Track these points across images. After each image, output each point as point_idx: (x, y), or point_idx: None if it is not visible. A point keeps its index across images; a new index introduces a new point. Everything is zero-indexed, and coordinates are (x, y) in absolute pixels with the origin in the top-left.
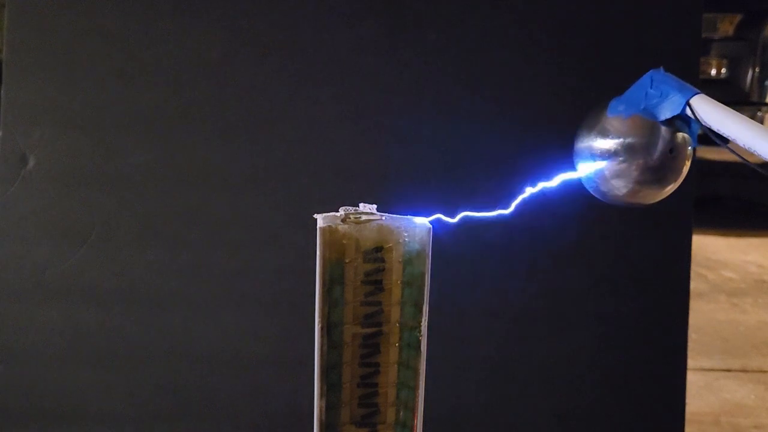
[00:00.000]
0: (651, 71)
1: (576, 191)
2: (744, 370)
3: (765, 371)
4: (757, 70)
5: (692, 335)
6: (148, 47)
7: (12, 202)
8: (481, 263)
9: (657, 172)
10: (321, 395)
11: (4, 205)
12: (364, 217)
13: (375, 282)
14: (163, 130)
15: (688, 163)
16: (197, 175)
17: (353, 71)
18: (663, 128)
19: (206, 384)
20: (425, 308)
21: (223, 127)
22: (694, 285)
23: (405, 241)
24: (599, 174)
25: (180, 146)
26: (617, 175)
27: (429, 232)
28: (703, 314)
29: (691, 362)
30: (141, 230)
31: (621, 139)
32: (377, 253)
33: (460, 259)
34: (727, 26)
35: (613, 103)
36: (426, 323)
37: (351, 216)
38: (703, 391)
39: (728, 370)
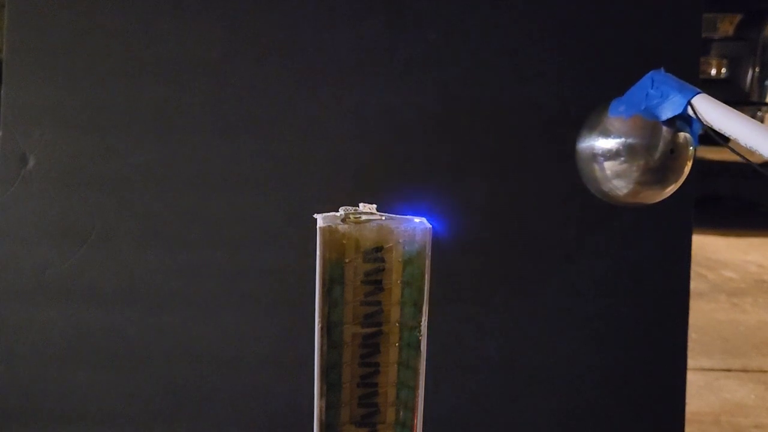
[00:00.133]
0: (652, 72)
1: (576, 191)
2: (744, 370)
3: (765, 371)
4: (757, 70)
5: (692, 335)
6: (148, 47)
7: (12, 202)
8: (480, 264)
9: (658, 173)
10: (321, 395)
11: (4, 205)
12: (364, 217)
13: (375, 282)
14: (163, 130)
15: (689, 164)
16: (197, 175)
17: (353, 71)
18: (664, 128)
19: (206, 384)
20: (425, 308)
21: (223, 127)
22: (694, 285)
23: (405, 241)
24: (600, 174)
25: (180, 146)
26: (619, 175)
27: (429, 232)
28: (703, 314)
29: (691, 362)
30: (141, 230)
31: (622, 140)
32: (377, 253)
33: (460, 259)
34: (727, 26)
35: (614, 103)
36: (426, 323)
37: (351, 216)
38: (703, 391)
39: (728, 370)
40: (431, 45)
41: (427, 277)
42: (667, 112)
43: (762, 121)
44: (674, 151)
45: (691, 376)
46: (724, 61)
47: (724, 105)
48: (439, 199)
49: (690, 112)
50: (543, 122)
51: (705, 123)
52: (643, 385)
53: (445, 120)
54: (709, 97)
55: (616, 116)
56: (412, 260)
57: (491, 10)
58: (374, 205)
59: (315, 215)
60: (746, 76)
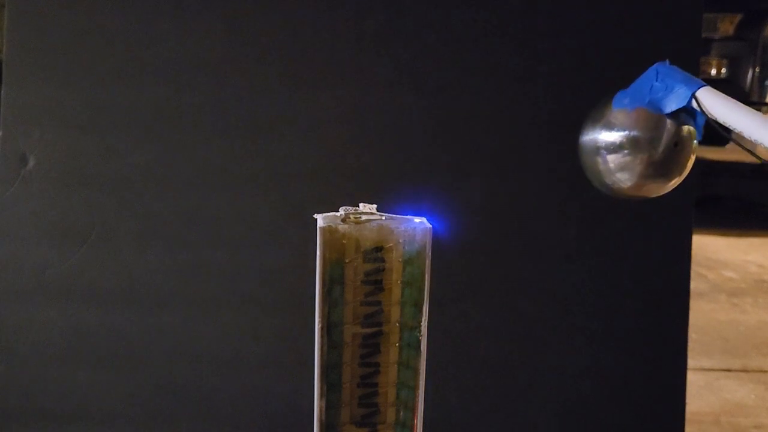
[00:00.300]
0: (657, 64)
1: (576, 190)
2: (744, 370)
3: (765, 371)
4: (757, 70)
5: (692, 335)
6: (148, 47)
7: (12, 202)
8: (480, 264)
9: (662, 166)
10: (321, 395)
11: (4, 205)
12: (364, 217)
13: (375, 282)
14: (163, 130)
15: (693, 157)
16: (197, 175)
17: (353, 71)
18: (668, 121)
19: (206, 384)
20: (425, 308)
21: (223, 127)
22: (694, 285)
23: (405, 241)
24: (604, 167)
25: (180, 146)
26: (622, 168)
27: (429, 232)
28: (703, 314)
29: (691, 362)
30: (141, 230)
31: (626, 132)
32: (377, 253)
33: (460, 259)
34: (727, 26)
35: (618, 95)
36: (426, 323)
37: (351, 216)
38: (703, 391)
39: (728, 370)
40: (431, 45)
41: (427, 277)
42: (671, 105)
43: None
44: (678, 144)
45: (691, 376)
46: (724, 61)
47: (729, 98)
48: (439, 199)
49: (694, 104)
50: (543, 122)
51: (709, 116)
52: (643, 385)
53: (445, 120)
54: (714, 90)
55: (620, 109)
56: (412, 260)
57: (491, 10)
58: (374, 205)
59: (315, 215)
60: (746, 76)
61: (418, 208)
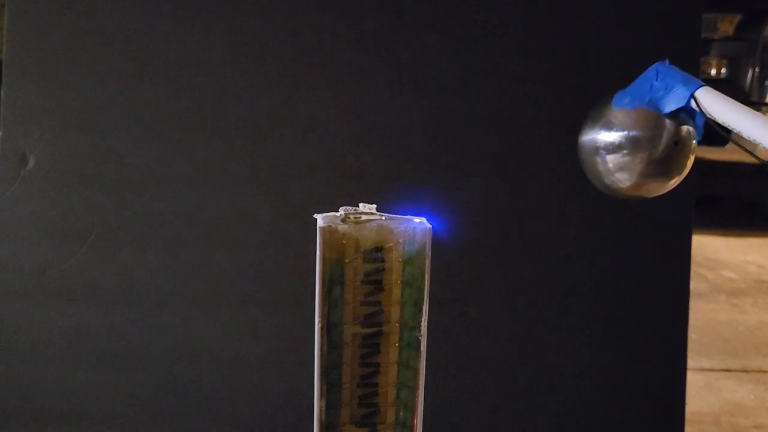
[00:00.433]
0: (656, 64)
1: (575, 189)
2: (744, 370)
3: (765, 371)
4: (757, 70)
5: (692, 335)
6: (148, 47)
7: (12, 202)
8: (480, 264)
9: (661, 165)
10: (321, 395)
11: (4, 205)
12: (364, 217)
13: (375, 282)
14: (163, 130)
15: (692, 157)
16: (197, 175)
17: (353, 71)
18: (668, 121)
19: (206, 384)
20: (425, 308)
21: (223, 127)
22: (694, 285)
23: (405, 241)
24: (603, 167)
25: (180, 146)
26: (621, 167)
27: (429, 232)
28: (703, 314)
29: (691, 362)
30: (141, 230)
31: (625, 132)
32: (377, 253)
33: (460, 259)
34: (727, 26)
35: (617, 95)
36: (426, 323)
37: (351, 216)
38: (703, 391)
39: (728, 370)
40: (431, 45)
41: (427, 277)
42: (671, 105)
43: None
44: (678, 144)
45: (691, 376)
46: (724, 61)
47: (728, 98)
48: (439, 199)
49: (693, 104)
50: (543, 122)
51: (708, 116)
52: (643, 385)
53: (445, 120)
54: (713, 90)
55: (619, 108)
56: (412, 260)
57: (492, 10)
58: (374, 205)
59: (315, 215)
60: (746, 76)
61: (418, 208)
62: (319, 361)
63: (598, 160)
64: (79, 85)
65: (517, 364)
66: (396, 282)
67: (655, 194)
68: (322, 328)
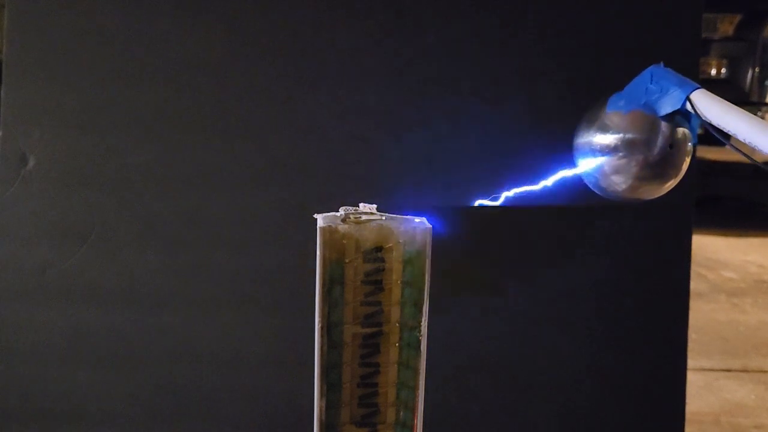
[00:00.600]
0: (651, 66)
1: (576, 190)
2: (744, 370)
3: (765, 371)
4: (757, 70)
5: (692, 335)
6: (148, 47)
7: (12, 202)
8: (480, 263)
9: (657, 168)
10: (321, 395)
11: (4, 205)
12: (364, 217)
13: (375, 282)
14: (163, 130)
15: (688, 159)
16: (197, 175)
17: (353, 71)
18: (663, 124)
19: (206, 384)
20: (425, 308)
21: (223, 127)
22: (694, 285)
23: (405, 241)
24: (599, 170)
25: (180, 146)
26: (617, 170)
27: (429, 232)
28: (703, 314)
29: (691, 362)
30: (141, 230)
31: (621, 135)
32: (377, 253)
33: (460, 259)
34: (727, 26)
35: (613, 98)
36: (426, 323)
37: (351, 216)
38: (703, 391)
39: (728, 370)
40: (431, 45)
41: (427, 277)
42: (666, 107)
43: None
44: (673, 147)
45: (691, 376)
46: (724, 61)
47: (723, 101)
48: (439, 199)
49: (688, 107)
50: (543, 122)
51: (703, 119)
52: (643, 385)
53: (445, 120)
54: (708, 92)
55: (614, 111)
56: (412, 260)
57: (491, 10)
58: (374, 205)
59: (315, 215)
60: (746, 76)
61: (418, 208)
62: (319, 361)
63: (594, 162)
64: (79, 85)
65: (517, 364)
66: (396, 282)
67: (651, 197)
68: (322, 328)
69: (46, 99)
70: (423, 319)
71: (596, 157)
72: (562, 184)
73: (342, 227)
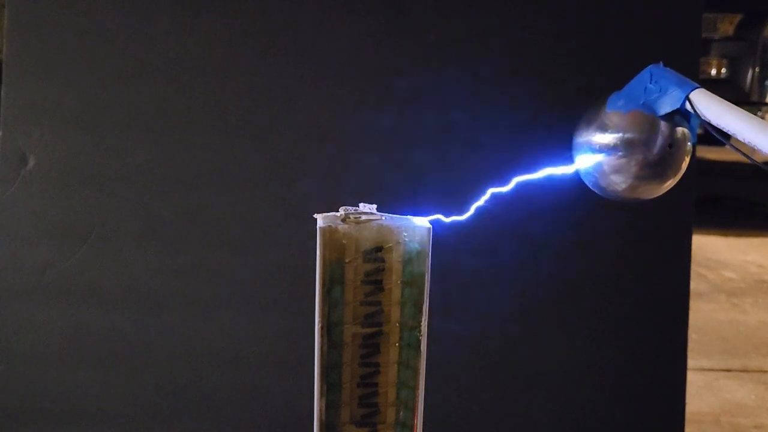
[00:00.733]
0: (650, 66)
1: (576, 190)
2: (744, 370)
3: (765, 371)
4: (757, 70)
5: (692, 335)
6: (148, 47)
7: (12, 202)
8: (480, 264)
9: (656, 168)
10: (321, 395)
11: (4, 205)
12: (364, 217)
13: (375, 282)
14: (163, 130)
15: (687, 159)
16: (197, 175)
17: (353, 71)
18: (662, 123)
19: (206, 384)
20: (425, 308)
21: (223, 127)
22: (694, 285)
23: (405, 241)
24: (598, 169)
25: (180, 146)
26: (616, 170)
27: (429, 232)
28: (703, 314)
29: (691, 362)
30: (141, 230)
31: (620, 134)
32: (377, 253)
33: (460, 259)
34: (727, 26)
35: (612, 97)
36: (426, 323)
37: (351, 216)
38: (703, 391)
39: (728, 370)
40: (431, 45)
41: (427, 277)
42: (665, 107)
43: None
44: (673, 146)
45: (691, 376)
46: (724, 61)
47: (723, 100)
48: (439, 199)
49: (688, 107)
50: (543, 122)
51: (703, 118)
52: (643, 385)
53: (445, 120)
54: (708, 92)
55: (614, 111)
56: (412, 260)
57: (491, 10)
58: (374, 205)
59: (315, 215)
60: (746, 76)
61: (418, 207)
62: (319, 361)
63: (594, 162)
64: (79, 85)
65: (517, 364)
66: (396, 282)
67: (651, 196)
68: (322, 328)
69: (46, 99)
70: (423, 319)
71: (595, 156)
72: (562, 183)
73: (342, 227)
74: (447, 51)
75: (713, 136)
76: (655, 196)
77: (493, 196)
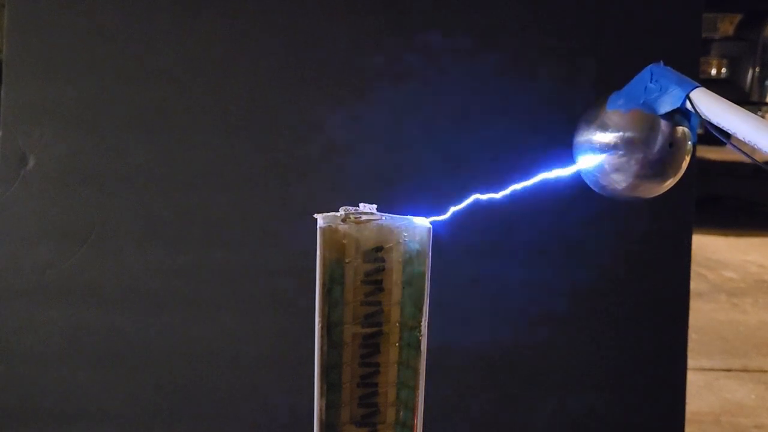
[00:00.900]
0: (651, 65)
1: (575, 189)
2: (744, 370)
3: (765, 371)
4: (757, 70)
5: (692, 335)
6: (148, 46)
7: (12, 202)
8: (480, 264)
9: (656, 167)
10: (321, 395)
11: (4, 205)
12: (364, 217)
13: (375, 282)
14: (163, 130)
15: (687, 158)
16: (197, 175)
17: (353, 71)
18: (663, 122)
19: (206, 384)
20: (425, 308)
21: (223, 127)
22: (694, 285)
23: (405, 241)
24: (599, 168)
25: (180, 146)
26: (617, 169)
27: (429, 232)
28: (703, 314)
29: (691, 362)
30: (141, 230)
31: (620, 133)
32: (377, 253)
33: (460, 259)
34: (727, 26)
35: (612, 97)
36: (426, 323)
37: (351, 216)
38: (703, 391)
39: (728, 370)
40: (431, 45)
41: (427, 277)
42: (665, 106)
43: None
44: (673, 145)
45: (691, 376)
46: (724, 61)
47: (724, 99)
48: (439, 199)
49: (688, 106)
50: (543, 121)
51: (703, 117)
52: (643, 385)
53: (445, 119)
54: (708, 91)
55: (614, 110)
56: (412, 260)
57: (491, 9)
58: (374, 205)
59: (315, 215)
60: (746, 76)
61: (418, 207)
62: (319, 361)
63: (594, 161)
64: (80, 85)
65: (517, 364)
66: (396, 282)
67: (651, 195)
68: (322, 328)
69: (46, 99)
70: (423, 319)
71: (596, 155)
72: (562, 183)
73: (342, 227)
74: (447, 51)
75: (714, 135)
76: (656, 194)
77: (493, 196)
